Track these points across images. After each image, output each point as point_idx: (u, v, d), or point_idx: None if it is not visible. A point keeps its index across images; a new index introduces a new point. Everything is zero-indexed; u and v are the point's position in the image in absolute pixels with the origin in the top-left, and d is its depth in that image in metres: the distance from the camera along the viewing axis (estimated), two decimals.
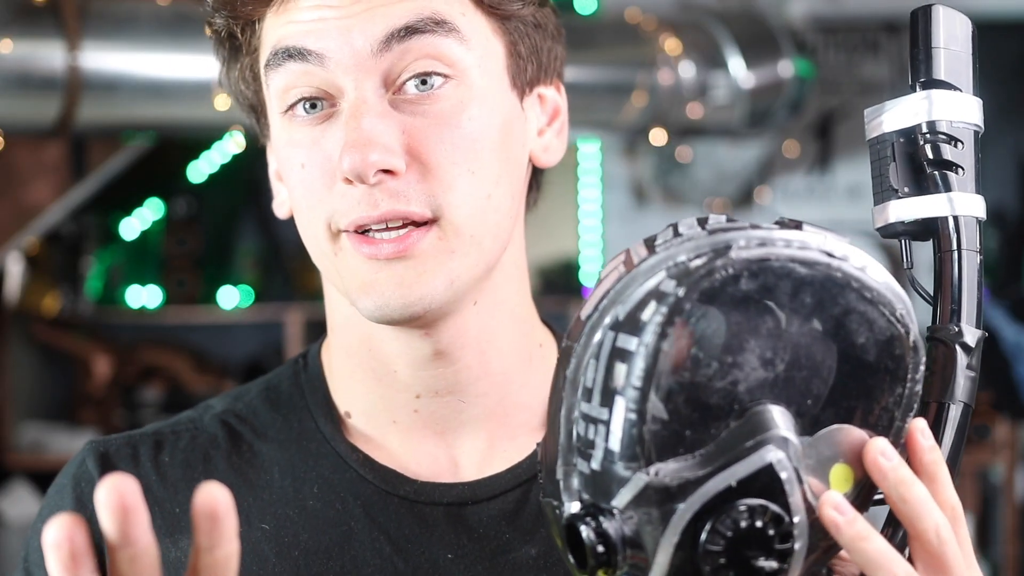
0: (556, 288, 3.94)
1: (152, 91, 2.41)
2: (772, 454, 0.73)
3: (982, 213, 0.87)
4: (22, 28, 2.27)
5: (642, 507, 0.73)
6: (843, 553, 0.79)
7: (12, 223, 3.27)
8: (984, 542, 4.08)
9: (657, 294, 0.74)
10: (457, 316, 0.96)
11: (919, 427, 0.79)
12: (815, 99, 3.62)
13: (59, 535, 0.66)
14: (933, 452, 0.79)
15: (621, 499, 0.74)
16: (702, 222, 0.77)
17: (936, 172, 0.86)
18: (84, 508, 0.99)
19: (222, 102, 2.35)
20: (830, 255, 0.76)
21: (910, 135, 0.87)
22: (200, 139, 3.75)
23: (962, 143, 0.86)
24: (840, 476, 0.77)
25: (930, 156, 0.86)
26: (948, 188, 0.86)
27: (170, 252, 4.11)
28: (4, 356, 3.89)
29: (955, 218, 0.85)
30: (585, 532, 0.74)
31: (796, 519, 0.74)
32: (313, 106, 0.94)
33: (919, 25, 0.88)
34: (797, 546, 0.74)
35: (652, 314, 0.74)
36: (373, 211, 0.91)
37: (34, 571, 1.00)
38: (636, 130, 3.19)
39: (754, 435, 0.74)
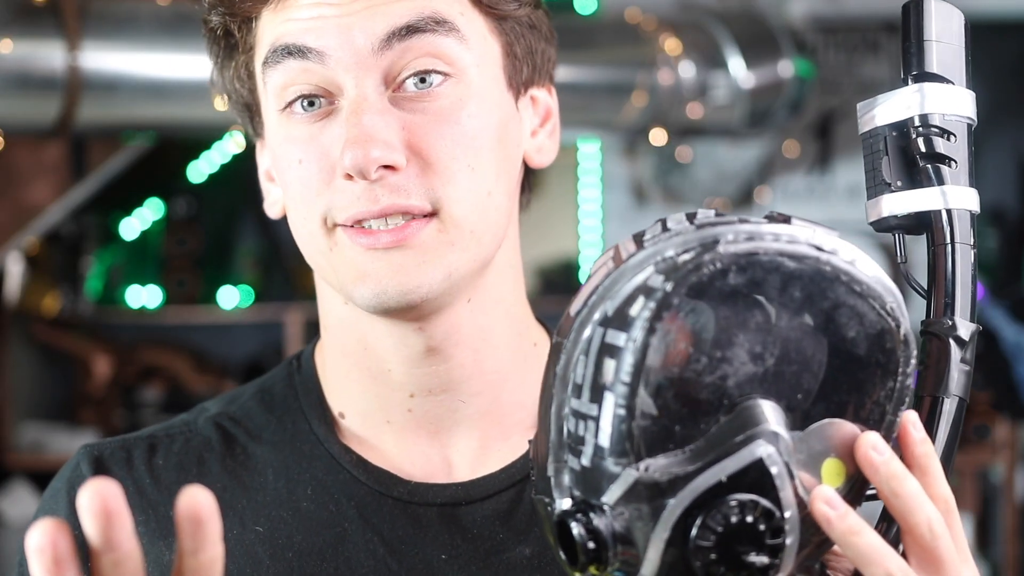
0: (556, 288, 3.94)
1: (152, 91, 2.41)
2: (762, 449, 0.73)
3: (975, 206, 0.86)
4: (22, 28, 2.27)
5: (632, 503, 0.73)
6: (836, 548, 0.79)
7: (12, 223, 3.27)
8: (984, 542, 4.08)
9: (645, 289, 0.74)
10: (451, 312, 0.96)
11: (911, 420, 0.79)
12: (815, 99, 3.62)
13: (42, 540, 0.66)
14: (925, 445, 0.79)
15: (611, 495, 0.74)
16: (690, 217, 0.77)
17: (929, 165, 0.86)
18: (78, 512, 0.99)
19: (222, 102, 2.35)
20: (819, 249, 0.76)
21: (903, 128, 0.86)
22: (200, 139, 3.75)
23: (955, 136, 0.86)
24: (832, 471, 0.77)
25: (923, 149, 0.86)
26: (941, 181, 0.85)
27: (170, 252, 4.11)
28: (4, 356, 3.89)
29: (948, 211, 0.85)
30: (576, 529, 0.74)
31: (787, 514, 0.74)
32: (311, 103, 0.94)
33: (911, 18, 0.88)
34: (788, 541, 0.74)
35: (640, 309, 0.73)
36: (373, 206, 0.92)
37: None
38: (636, 130, 3.19)
39: (744, 430, 0.74)
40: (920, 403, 0.84)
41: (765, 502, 0.73)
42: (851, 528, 0.75)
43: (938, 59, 0.87)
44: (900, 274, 0.87)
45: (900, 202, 0.86)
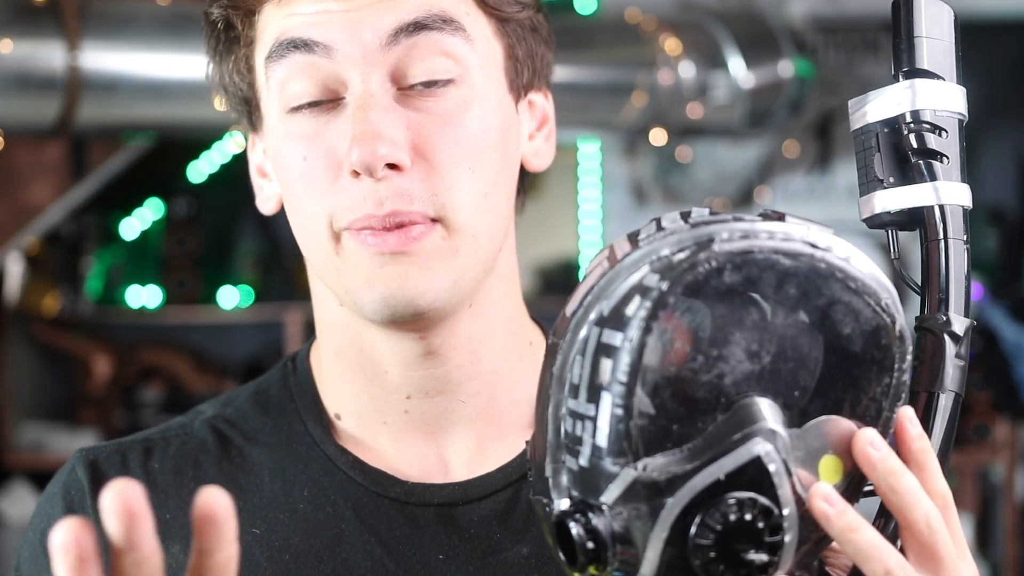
0: (556, 288, 3.94)
1: (152, 91, 2.41)
2: (760, 446, 0.73)
3: (968, 201, 0.86)
4: (22, 28, 2.27)
5: (631, 503, 0.73)
6: (835, 544, 0.79)
7: (12, 223, 3.27)
8: (984, 542, 4.08)
9: (641, 288, 0.74)
10: (450, 318, 0.96)
11: (907, 415, 0.79)
12: (815, 99, 3.62)
13: (67, 539, 0.65)
14: (921, 440, 0.79)
15: (610, 495, 0.74)
16: (685, 216, 0.77)
17: (921, 161, 0.86)
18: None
19: (218, 97, 2.35)
20: (814, 246, 0.76)
21: (894, 125, 0.87)
22: (200, 139, 3.75)
23: (946, 132, 0.86)
24: (829, 467, 0.77)
25: (914, 145, 0.86)
26: (933, 177, 0.85)
27: (170, 252, 4.11)
28: (4, 356, 3.89)
29: (941, 207, 0.85)
30: (575, 529, 0.74)
31: (786, 511, 0.74)
32: (316, 103, 0.94)
33: (901, 15, 0.88)
34: (787, 538, 0.74)
35: (636, 309, 0.74)
36: (378, 210, 0.91)
37: None
38: (636, 130, 3.19)
39: (741, 428, 0.74)
40: (915, 399, 0.84)
41: (763, 500, 0.73)
42: (849, 525, 0.75)
43: (928, 55, 0.87)
44: (894, 270, 0.88)
45: (893, 198, 0.86)
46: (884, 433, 0.78)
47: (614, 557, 0.74)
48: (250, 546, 0.97)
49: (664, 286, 0.73)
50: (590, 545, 0.74)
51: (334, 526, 0.97)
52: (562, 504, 0.76)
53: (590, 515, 0.74)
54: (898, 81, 0.87)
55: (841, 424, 0.77)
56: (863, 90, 0.89)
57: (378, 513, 0.98)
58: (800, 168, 3.86)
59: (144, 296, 4.07)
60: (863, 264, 0.77)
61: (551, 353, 0.78)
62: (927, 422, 0.83)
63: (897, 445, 0.79)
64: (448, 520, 0.98)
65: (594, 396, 0.74)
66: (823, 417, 0.77)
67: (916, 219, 0.86)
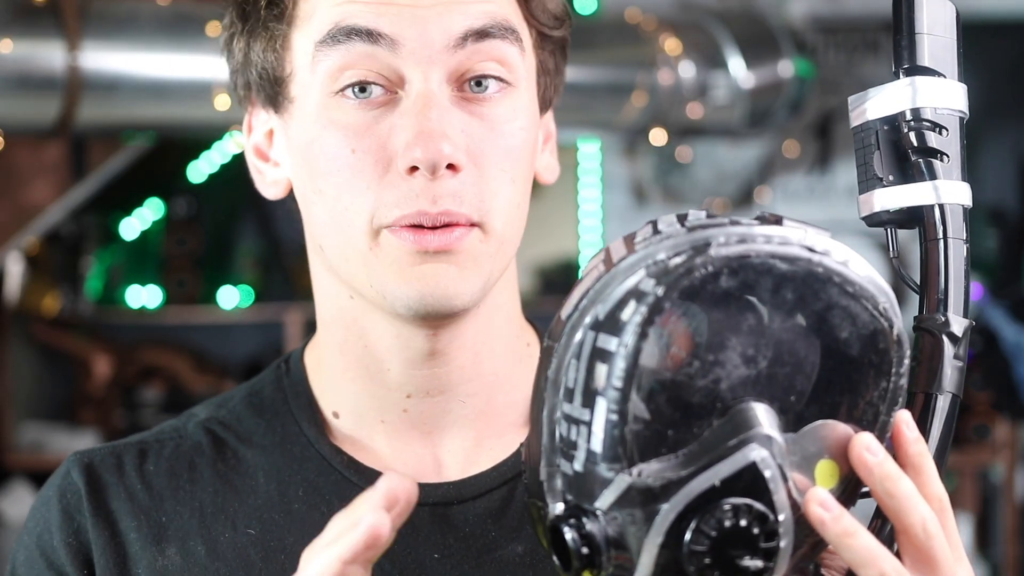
0: (556, 288, 3.94)
1: (152, 91, 2.41)
2: (755, 452, 0.73)
3: (968, 201, 0.86)
4: (22, 28, 2.27)
5: (625, 508, 0.73)
6: (830, 547, 0.79)
7: (12, 223, 3.27)
8: (984, 542, 4.08)
9: (637, 293, 0.74)
10: (462, 317, 0.96)
11: (904, 419, 0.79)
12: (815, 99, 3.62)
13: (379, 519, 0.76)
14: (918, 444, 0.79)
15: (604, 500, 0.73)
16: (681, 219, 0.77)
17: (921, 160, 0.85)
18: (71, 520, 0.99)
19: (222, 102, 2.35)
20: (811, 250, 0.75)
21: (894, 123, 0.86)
22: (200, 139, 3.74)
23: (947, 130, 0.85)
24: (826, 472, 0.76)
25: (914, 144, 0.85)
26: (933, 176, 0.85)
27: (170, 252, 4.11)
28: (4, 356, 3.89)
29: (940, 206, 0.85)
30: (569, 534, 0.74)
31: (781, 517, 0.73)
32: (363, 90, 0.93)
33: (902, 11, 0.87)
34: (783, 544, 0.74)
35: (632, 314, 0.73)
36: (432, 207, 0.91)
37: None
38: (636, 130, 3.19)
39: (737, 433, 0.73)
40: (913, 400, 0.83)
41: (759, 506, 0.73)
42: (846, 530, 0.75)
43: (930, 52, 0.86)
44: (893, 269, 0.87)
45: (892, 197, 0.86)
46: (881, 437, 0.78)
47: (608, 562, 0.74)
48: (246, 547, 0.97)
49: (660, 291, 0.73)
50: (584, 550, 0.74)
51: None
52: (556, 508, 0.76)
53: (584, 520, 0.74)
54: (898, 78, 0.86)
55: (837, 429, 0.77)
56: (863, 90, 0.88)
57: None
58: (800, 168, 3.86)
59: (144, 296, 4.07)
60: (861, 268, 0.76)
61: (546, 356, 0.78)
62: (924, 423, 0.82)
63: (894, 449, 0.79)
64: (443, 519, 0.97)
65: (589, 401, 0.74)
66: (819, 421, 0.76)
67: (915, 218, 0.85)
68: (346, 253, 0.95)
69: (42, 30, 2.28)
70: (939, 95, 0.85)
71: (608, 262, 0.76)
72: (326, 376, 1.02)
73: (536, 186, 1.03)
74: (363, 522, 0.76)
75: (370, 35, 0.91)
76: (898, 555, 0.78)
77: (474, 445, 1.00)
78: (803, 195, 3.87)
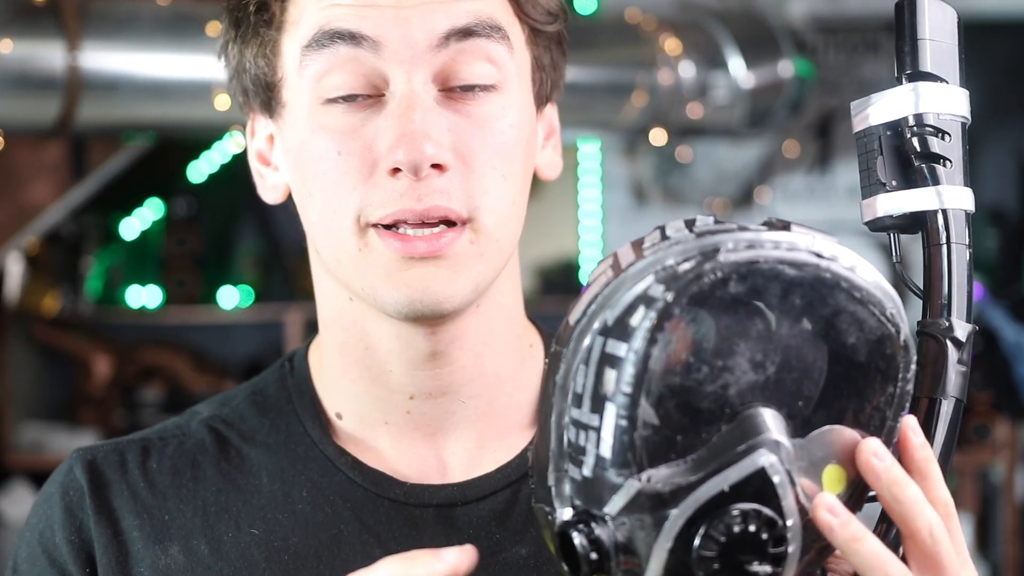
0: (556, 288, 3.94)
1: (152, 91, 2.41)
2: (764, 458, 0.73)
3: (971, 206, 0.86)
4: (22, 28, 2.27)
5: (635, 514, 0.73)
6: (837, 552, 0.79)
7: (12, 223, 3.27)
8: (984, 542, 4.08)
9: (646, 299, 0.74)
10: (458, 318, 0.96)
11: (910, 424, 0.79)
12: (815, 99, 3.62)
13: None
14: (924, 449, 0.79)
15: (613, 506, 0.73)
16: (689, 224, 0.77)
17: (924, 165, 0.85)
18: (73, 518, 0.99)
19: (222, 102, 2.35)
20: (819, 255, 0.75)
21: (897, 128, 0.86)
22: (200, 139, 3.74)
23: (949, 135, 0.85)
24: (833, 477, 0.77)
25: (917, 149, 0.85)
26: (936, 181, 0.85)
27: (170, 252, 4.11)
28: (4, 356, 3.89)
29: (944, 211, 0.85)
30: (578, 539, 0.74)
31: (789, 522, 0.74)
32: (352, 95, 0.93)
33: (904, 17, 0.87)
34: (791, 549, 0.74)
35: (641, 319, 0.73)
36: (417, 205, 0.91)
37: None
38: (636, 130, 3.19)
39: (746, 439, 0.73)
40: (917, 405, 0.83)
41: (768, 511, 0.73)
42: (853, 535, 0.75)
43: (932, 58, 0.86)
44: (896, 274, 0.87)
45: (895, 202, 0.86)
46: (888, 442, 0.78)
47: (617, 567, 0.74)
48: (249, 546, 0.97)
49: (669, 297, 0.73)
50: (593, 555, 0.74)
51: (333, 526, 0.97)
52: (565, 514, 0.76)
53: (593, 525, 0.74)
54: (901, 84, 0.86)
55: (845, 434, 0.77)
56: (863, 90, 0.89)
57: (377, 514, 0.97)
58: (800, 168, 3.86)
59: (144, 296, 4.07)
60: (868, 273, 0.76)
61: (554, 361, 0.78)
62: (929, 428, 0.83)
63: (900, 454, 0.79)
64: (447, 521, 0.97)
65: (598, 406, 0.74)
66: (827, 427, 0.77)
67: (918, 223, 0.86)
68: (338, 255, 0.95)
69: (42, 30, 2.28)
70: (941, 100, 0.86)
71: (617, 268, 0.76)
72: (328, 377, 1.02)
73: (536, 186, 1.03)
74: (446, 558, 0.80)
75: (353, 38, 0.91)
76: (904, 559, 0.78)
77: (477, 447, 1.00)
78: (803, 195, 3.87)
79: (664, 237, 0.77)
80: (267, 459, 1.00)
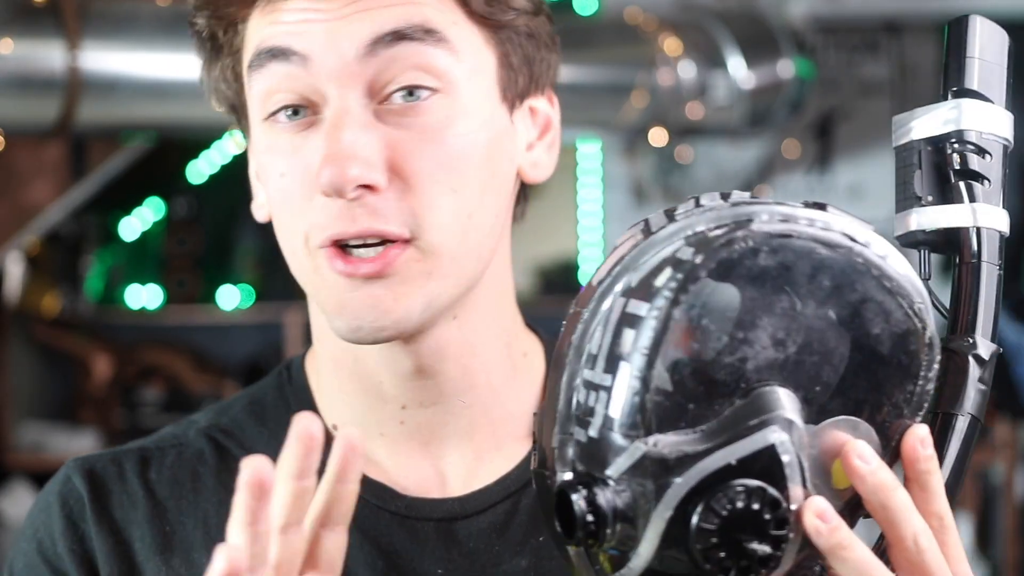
0: (556, 288, 3.93)
1: (152, 91, 2.41)
2: (775, 435, 0.72)
3: (1005, 228, 0.84)
4: (22, 28, 2.27)
5: (637, 478, 0.72)
6: None
7: (12, 223, 3.27)
8: (984, 542, 4.08)
9: (674, 261, 0.73)
10: (436, 331, 0.94)
11: (919, 435, 0.77)
12: (815, 99, 3.62)
13: (252, 477, 0.73)
14: (929, 462, 0.77)
15: (617, 468, 0.72)
16: (725, 196, 0.76)
17: (961, 182, 0.83)
18: (75, 527, 0.97)
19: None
20: (853, 239, 0.74)
21: (938, 144, 0.84)
22: (200, 139, 3.74)
23: (990, 155, 0.84)
24: (843, 470, 0.75)
25: (956, 166, 0.83)
26: (972, 199, 0.83)
27: (170, 252, 4.11)
28: (4, 356, 3.89)
29: (977, 229, 0.83)
30: (576, 500, 0.72)
31: (794, 507, 0.73)
32: (295, 112, 0.91)
33: (955, 34, 0.86)
34: (792, 535, 0.73)
35: (667, 280, 0.72)
36: (351, 227, 0.89)
37: None
38: (636, 130, 3.19)
39: (758, 414, 0.72)
40: (933, 419, 0.82)
41: (773, 491, 0.72)
42: (840, 543, 0.74)
43: (979, 76, 0.85)
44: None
45: (929, 217, 0.84)
46: (900, 440, 0.77)
47: (613, 535, 0.72)
48: None
49: (698, 259, 0.72)
50: (590, 519, 0.72)
51: None
52: (565, 475, 0.74)
53: (594, 488, 0.73)
54: (946, 100, 0.85)
55: (859, 427, 0.76)
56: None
57: (379, 526, 0.97)
58: (800, 168, 3.86)
59: (144, 296, 4.07)
60: (900, 264, 0.76)
61: (572, 321, 0.76)
62: (942, 443, 0.81)
63: (903, 461, 0.78)
64: (447, 534, 0.97)
65: (612, 366, 0.73)
66: (842, 417, 0.75)
67: (951, 241, 0.84)
68: (299, 276, 0.95)
69: (42, 30, 2.28)
70: (985, 119, 0.84)
71: (647, 231, 0.76)
72: (324, 389, 1.01)
73: (536, 186, 1.02)
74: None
75: (283, 54, 0.90)
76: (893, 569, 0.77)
77: (475, 458, 0.99)
78: (803, 195, 3.87)
79: (698, 205, 0.76)
80: None
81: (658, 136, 3.23)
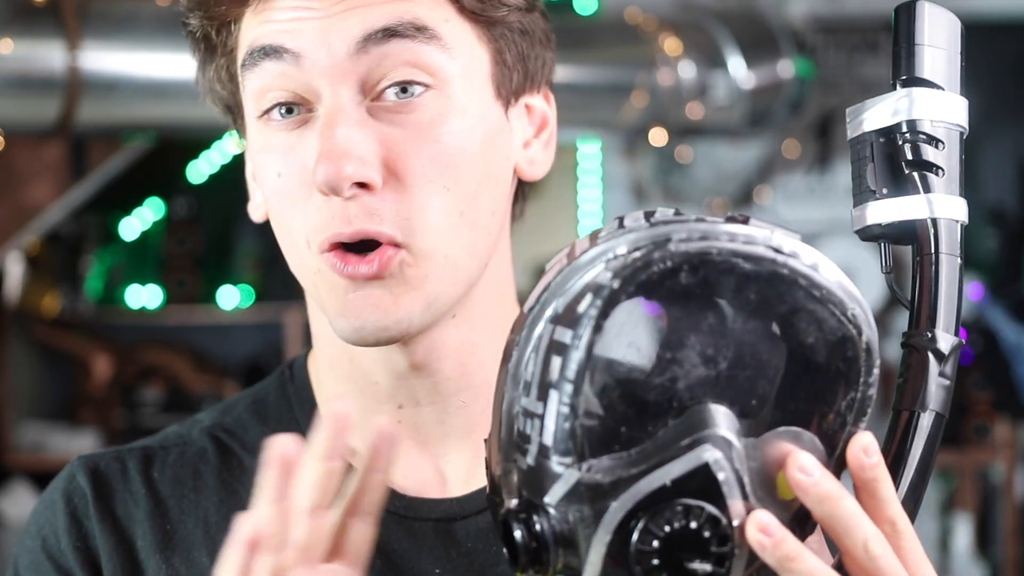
0: None
1: (152, 91, 2.41)
2: (709, 453, 0.71)
3: (964, 216, 0.83)
4: (22, 28, 2.27)
5: (575, 504, 0.72)
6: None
7: (12, 223, 3.27)
8: (984, 542, 4.08)
9: (594, 286, 0.72)
10: (433, 330, 0.94)
11: (863, 443, 0.76)
12: (815, 99, 3.62)
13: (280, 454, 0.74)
14: (875, 470, 0.76)
15: (553, 496, 0.72)
16: (648, 215, 0.75)
17: (915, 173, 0.82)
18: (79, 524, 0.98)
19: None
20: (777, 250, 0.73)
21: (890, 135, 0.83)
22: (200, 139, 3.74)
23: (944, 144, 0.82)
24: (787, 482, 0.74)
25: (909, 156, 0.82)
26: (928, 190, 0.82)
27: (170, 252, 4.11)
28: (4, 356, 3.89)
29: (934, 220, 0.82)
30: (517, 530, 0.73)
31: (735, 522, 0.72)
32: (289, 111, 0.91)
33: (902, 21, 0.84)
34: (737, 550, 0.72)
35: (588, 307, 0.72)
36: (346, 227, 0.89)
37: None
38: (636, 130, 3.19)
39: (691, 433, 0.72)
40: (897, 417, 0.81)
41: (711, 508, 0.71)
42: (787, 555, 0.73)
43: (929, 64, 0.83)
44: (887, 284, 0.84)
45: (884, 210, 0.83)
46: (845, 448, 0.76)
47: (557, 559, 0.72)
48: None
49: (616, 284, 0.72)
50: (532, 546, 0.72)
51: None
52: (510, 503, 0.74)
53: (534, 516, 0.73)
54: (895, 89, 0.84)
55: (802, 437, 0.74)
56: (863, 90, 0.88)
57: (378, 525, 0.97)
58: (800, 168, 3.86)
59: (144, 296, 4.07)
60: (830, 272, 0.74)
61: (508, 350, 0.76)
62: (905, 442, 0.80)
63: (850, 471, 0.76)
64: (446, 535, 0.96)
65: (543, 394, 0.73)
66: (782, 428, 0.74)
67: (909, 233, 0.83)
68: (300, 276, 0.95)
69: (42, 30, 2.28)
70: (937, 107, 0.83)
71: (571, 256, 0.75)
72: (323, 389, 1.01)
73: (536, 186, 1.01)
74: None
75: (276, 52, 0.90)
76: None
77: (474, 457, 0.98)
78: (803, 195, 3.87)
79: (620, 226, 0.75)
80: None
81: (658, 136, 3.24)
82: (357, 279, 0.90)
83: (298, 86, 0.90)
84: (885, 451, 0.80)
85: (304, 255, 0.92)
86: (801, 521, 0.76)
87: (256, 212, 1.01)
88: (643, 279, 0.72)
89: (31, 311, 3.96)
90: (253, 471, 0.99)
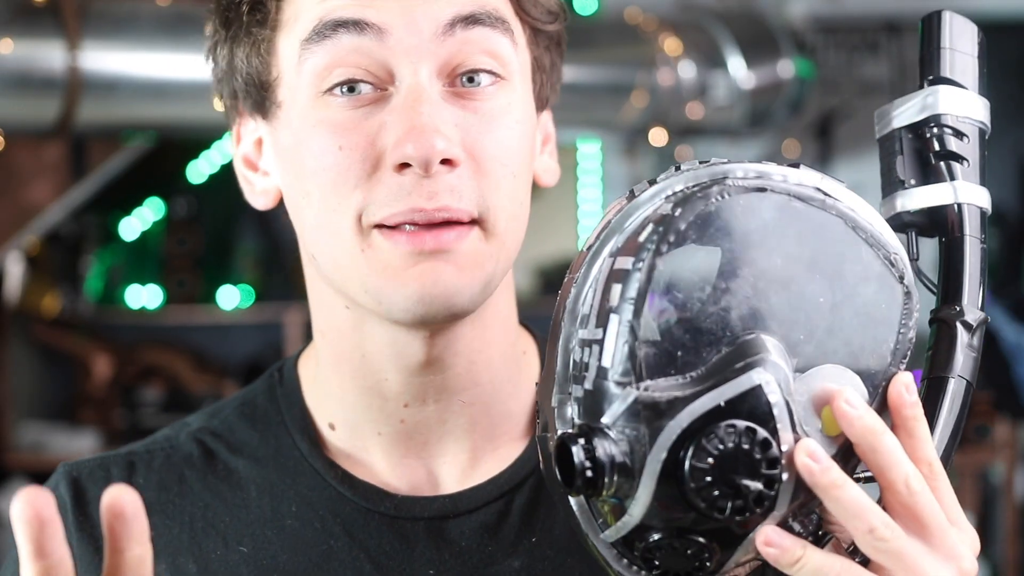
0: (556, 288, 3.91)
1: (152, 91, 2.41)
2: (760, 375, 0.74)
3: (987, 205, 0.88)
4: (22, 28, 2.27)
5: (631, 423, 0.74)
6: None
7: (12, 223, 3.27)
8: (984, 542, 4.08)
9: (656, 218, 0.76)
10: (455, 324, 0.94)
11: (904, 381, 0.79)
12: (815, 99, 3.62)
13: (27, 509, 0.68)
14: (914, 408, 0.79)
15: (612, 415, 0.75)
16: (704, 161, 0.80)
17: (942, 162, 0.87)
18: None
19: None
20: (826, 194, 0.78)
21: (917, 129, 0.88)
22: (200, 139, 3.75)
23: (967, 137, 0.88)
24: (831, 417, 0.77)
25: (936, 148, 0.87)
26: (953, 177, 0.87)
27: (170, 252, 4.11)
28: (4, 356, 3.89)
29: (959, 205, 0.87)
30: (575, 451, 0.74)
31: (784, 448, 0.74)
32: (351, 89, 0.90)
33: (929, 28, 0.90)
34: (785, 476, 0.74)
35: (649, 235, 0.76)
36: (428, 203, 0.88)
37: None
38: (636, 130, 3.19)
39: (744, 358, 0.75)
40: (927, 384, 0.84)
41: (762, 431, 0.74)
42: (833, 482, 0.75)
43: (952, 65, 0.89)
44: (913, 271, 0.88)
45: (913, 198, 0.88)
46: (886, 388, 0.79)
47: (610, 484, 0.75)
48: (238, 564, 0.95)
49: (677, 212, 0.75)
50: (588, 469, 0.74)
51: (323, 542, 0.96)
52: (567, 430, 0.77)
53: (593, 439, 0.75)
54: (923, 88, 0.89)
55: (845, 375, 0.77)
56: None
57: (368, 528, 0.96)
58: None
59: (144, 296, 4.07)
60: (874, 218, 0.79)
61: (566, 288, 0.79)
62: (935, 407, 0.82)
63: (890, 409, 0.79)
64: (438, 534, 0.96)
65: (603, 320, 0.76)
66: (827, 364, 0.77)
67: (936, 222, 0.87)
68: (336, 258, 0.92)
69: (42, 30, 2.29)
70: (961, 104, 0.89)
71: (631, 196, 0.79)
72: (323, 387, 1.00)
73: (536, 187, 1.02)
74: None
75: (357, 25, 0.89)
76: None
77: (470, 458, 0.98)
78: None
79: (677, 169, 0.79)
80: (256, 472, 0.99)
81: (658, 136, 3.24)
82: (423, 252, 0.89)
83: (372, 64, 0.90)
84: None
85: (351, 233, 0.90)
86: (844, 459, 0.78)
87: (262, 198, 1.00)
88: (702, 209, 0.76)
89: (31, 311, 3.96)
90: (240, 475, 0.99)
